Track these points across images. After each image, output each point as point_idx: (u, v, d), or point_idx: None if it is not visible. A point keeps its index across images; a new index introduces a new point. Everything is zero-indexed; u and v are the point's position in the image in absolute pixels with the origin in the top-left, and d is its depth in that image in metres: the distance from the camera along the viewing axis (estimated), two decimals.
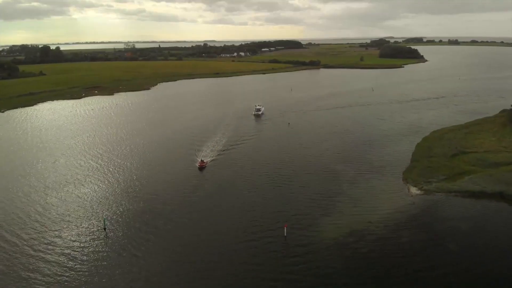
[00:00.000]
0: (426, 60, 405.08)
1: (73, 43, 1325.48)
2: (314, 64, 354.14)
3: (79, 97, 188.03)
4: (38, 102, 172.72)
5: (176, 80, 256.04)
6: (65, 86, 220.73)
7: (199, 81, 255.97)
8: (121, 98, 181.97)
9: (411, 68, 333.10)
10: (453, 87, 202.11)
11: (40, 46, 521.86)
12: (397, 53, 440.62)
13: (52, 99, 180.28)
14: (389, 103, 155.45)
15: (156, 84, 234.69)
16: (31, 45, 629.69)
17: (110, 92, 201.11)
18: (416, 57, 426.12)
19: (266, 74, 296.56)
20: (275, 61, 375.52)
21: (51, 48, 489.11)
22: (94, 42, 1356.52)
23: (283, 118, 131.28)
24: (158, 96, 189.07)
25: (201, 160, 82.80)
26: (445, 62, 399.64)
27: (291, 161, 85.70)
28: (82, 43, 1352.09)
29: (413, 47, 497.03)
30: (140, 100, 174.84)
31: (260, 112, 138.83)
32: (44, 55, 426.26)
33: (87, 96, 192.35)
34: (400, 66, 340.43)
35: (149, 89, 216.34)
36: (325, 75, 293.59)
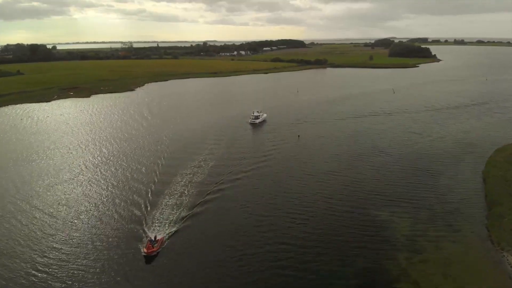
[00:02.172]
0: (440, 60, 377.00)
1: (73, 43, 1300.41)
2: (320, 63, 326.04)
3: (49, 99, 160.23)
4: None
5: (167, 80, 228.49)
6: (41, 86, 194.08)
7: (193, 81, 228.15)
8: (95, 102, 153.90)
9: (426, 68, 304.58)
10: (485, 90, 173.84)
11: (28, 45, 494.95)
12: (407, 52, 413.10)
13: (17, 103, 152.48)
14: (419, 111, 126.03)
15: (143, 85, 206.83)
16: (27, 44, 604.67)
17: (87, 94, 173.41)
18: (428, 56, 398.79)
19: (268, 74, 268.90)
20: (277, 60, 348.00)
21: (48, 47, 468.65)
22: (94, 42, 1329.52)
23: (291, 129, 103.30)
24: (140, 99, 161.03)
25: (151, 241, 45.08)
26: (459, 62, 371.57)
27: (306, 208, 55.51)
28: (82, 42, 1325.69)
29: (422, 46, 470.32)
30: (117, 105, 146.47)
31: (257, 121, 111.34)
32: (33, 53, 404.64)
33: (59, 98, 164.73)
34: (414, 66, 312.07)
35: (133, 90, 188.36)
36: (333, 75, 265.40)
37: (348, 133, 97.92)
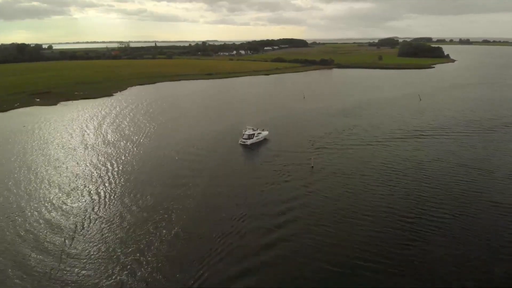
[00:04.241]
0: (454, 60, 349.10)
1: (73, 43, 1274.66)
2: (325, 64, 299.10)
3: (8, 108, 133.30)
4: None
5: (155, 83, 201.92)
6: (9, 91, 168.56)
7: (184, 84, 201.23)
8: (59, 112, 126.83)
9: (443, 69, 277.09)
10: None
11: (17, 44, 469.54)
12: (418, 51, 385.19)
13: None
14: (461, 130, 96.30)
15: (126, 88, 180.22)
16: (22, 44, 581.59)
17: (55, 101, 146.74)
18: (441, 56, 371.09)
19: (269, 75, 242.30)
20: (279, 60, 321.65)
21: (44, 47, 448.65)
22: (94, 42, 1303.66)
23: (300, 156, 76.19)
24: (115, 107, 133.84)
25: None
26: (474, 62, 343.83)
27: None
28: (83, 42, 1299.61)
29: (432, 46, 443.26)
30: (81, 116, 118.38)
31: (249, 142, 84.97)
32: (20, 53, 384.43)
33: (22, 106, 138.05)
34: (430, 67, 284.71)
35: (112, 95, 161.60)
36: (342, 77, 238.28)
37: (377, 166, 69.72)
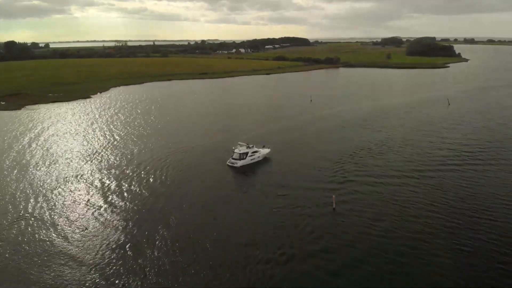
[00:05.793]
0: (467, 59, 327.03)
1: (74, 42, 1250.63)
2: (331, 63, 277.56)
3: None
4: None
5: (142, 83, 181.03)
6: None
7: (174, 85, 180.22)
8: (15, 119, 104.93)
9: (459, 68, 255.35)
10: None
11: (9, 42, 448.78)
12: (428, 50, 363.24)
13: None
14: None
15: (108, 89, 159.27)
16: (11, 41, 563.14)
17: (21, 105, 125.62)
18: (452, 55, 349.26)
19: (270, 75, 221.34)
20: (281, 59, 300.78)
21: (41, 45, 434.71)
22: (95, 41, 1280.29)
23: (311, 186, 55.10)
24: (85, 113, 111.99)
25: None
26: (487, 62, 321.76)
27: None
28: (83, 41, 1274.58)
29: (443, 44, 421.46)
30: (37, 126, 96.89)
31: (239, 164, 64.24)
32: (8, 51, 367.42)
33: None
34: (444, 66, 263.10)
35: (89, 97, 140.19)
36: (351, 77, 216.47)
37: (422, 213, 47.07)
